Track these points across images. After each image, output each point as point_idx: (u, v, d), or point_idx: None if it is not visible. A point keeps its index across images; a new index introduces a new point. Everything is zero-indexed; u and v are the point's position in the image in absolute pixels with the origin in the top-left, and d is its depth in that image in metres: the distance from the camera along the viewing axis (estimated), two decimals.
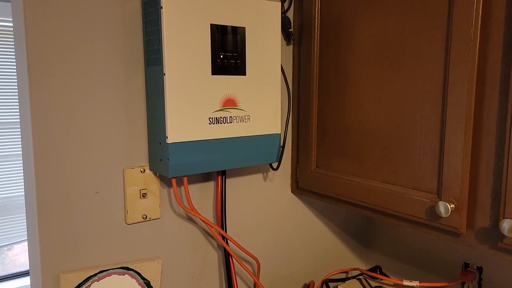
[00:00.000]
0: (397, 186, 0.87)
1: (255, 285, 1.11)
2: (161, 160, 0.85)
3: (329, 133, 1.01)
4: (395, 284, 1.12)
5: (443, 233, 0.81)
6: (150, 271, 0.92)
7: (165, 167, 0.84)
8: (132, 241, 0.91)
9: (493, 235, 0.73)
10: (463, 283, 1.08)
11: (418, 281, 1.04)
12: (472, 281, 1.06)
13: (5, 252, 2.66)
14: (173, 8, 0.79)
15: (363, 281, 1.15)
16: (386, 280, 1.13)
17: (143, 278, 0.91)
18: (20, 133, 0.86)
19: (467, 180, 0.75)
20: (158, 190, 0.92)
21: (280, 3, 0.95)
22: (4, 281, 2.61)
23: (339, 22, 0.95)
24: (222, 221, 1.00)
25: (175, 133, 0.82)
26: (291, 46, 1.09)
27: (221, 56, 0.86)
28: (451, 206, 0.75)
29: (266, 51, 0.93)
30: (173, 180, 0.89)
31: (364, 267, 1.36)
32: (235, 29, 0.87)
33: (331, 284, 1.20)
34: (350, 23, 0.93)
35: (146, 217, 0.91)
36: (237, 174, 1.05)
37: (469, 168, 0.75)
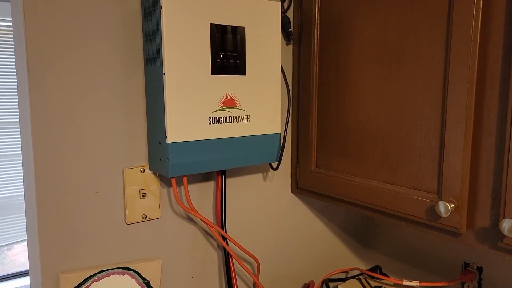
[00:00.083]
0: (397, 186, 0.87)
1: (255, 285, 1.11)
2: (160, 160, 0.85)
3: (329, 133, 1.01)
4: (395, 284, 1.12)
5: (443, 233, 0.81)
6: (150, 271, 0.92)
7: (164, 167, 0.84)
8: (132, 241, 0.91)
9: (493, 235, 0.73)
10: (463, 283, 1.08)
11: (418, 281, 1.04)
12: (472, 281, 1.06)
13: (5, 252, 2.66)
14: (172, 7, 0.79)
15: (363, 281, 1.15)
16: (386, 280, 1.13)
17: (142, 278, 0.91)
18: (19, 132, 0.86)
19: (467, 180, 0.75)
20: (158, 190, 0.92)
21: (280, 2, 0.94)
22: (4, 281, 2.61)
23: (339, 22, 0.95)
24: (222, 221, 1.00)
25: (174, 133, 0.82)
26: (291, 46, 1.09)
27: (221, 56, 0.86)
28: (451, 206, 0.75)
29: (266, 51, 0.93)
30: (173, 180, 0.89)
31: (364, 267, 1.36)
32: (235, 28, 0.87)
33: (331, 284, 1.20)
34: (350, 23, 0.93)
35: (146, 217, 0.91)
36: (237, 174, 1.05)
37: (469, 168, 0.75)
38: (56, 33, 0.78)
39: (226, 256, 1.01)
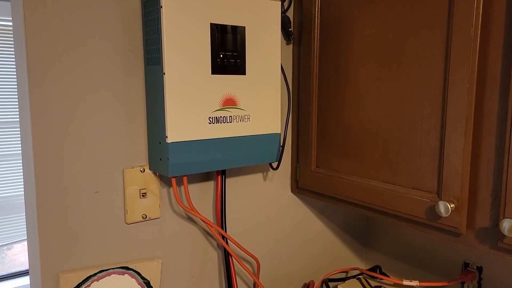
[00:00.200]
0: (397, 185, 0.87)
1: (255, 284, 1.11)
2: (160, 159, 0.85)
3: (329, 132, 1.01)
4: (395, 284, 1.12)
5: (443, 233, 0.81)
6: (150, 270, 0.92)
7: (165, 167, 0.84)
8: (132, 241, 0.91)
9: (493, 234, 0.73)
10: (463, 283, 1.08)
11: (418, 281, 1.04)
12: (472, 281, 1.06)
13: (5, 251, 2.66)
14: (172, 7, 0.79)
15: (363, 280, 1.15)
16: (386, 279, 1.13)
17: (142, 277, 0.91)
18: (19, 132, 0.86)
19: (467, 180, 0.75)
20: (158, 190, 0.92)
21: (280, 2, 0.94)
22: (4, 281, 2.61)
23: (339, 22, 0.95)
24: (222, 220, 1.00)
25: (175, 132, 0.82)
26: (291, 46, 1.09)
27: (221, 56, 0.86)
28: (451, 205, 0.75)
29: (266, 51, 0.93)
30: (173, 180, 0.89)
31: (364, 266, 1.36)
32: (235, 28, 0.87)
33: (331, 284, 1.20)
34: (350, 23, 0.93)
35: (146, 217, 0.91)
36: (237, 173, 1.05)
37: (469, 168, 0.75)
38: (56, 33, 0.78)
39: (226, 256, 1.01)
